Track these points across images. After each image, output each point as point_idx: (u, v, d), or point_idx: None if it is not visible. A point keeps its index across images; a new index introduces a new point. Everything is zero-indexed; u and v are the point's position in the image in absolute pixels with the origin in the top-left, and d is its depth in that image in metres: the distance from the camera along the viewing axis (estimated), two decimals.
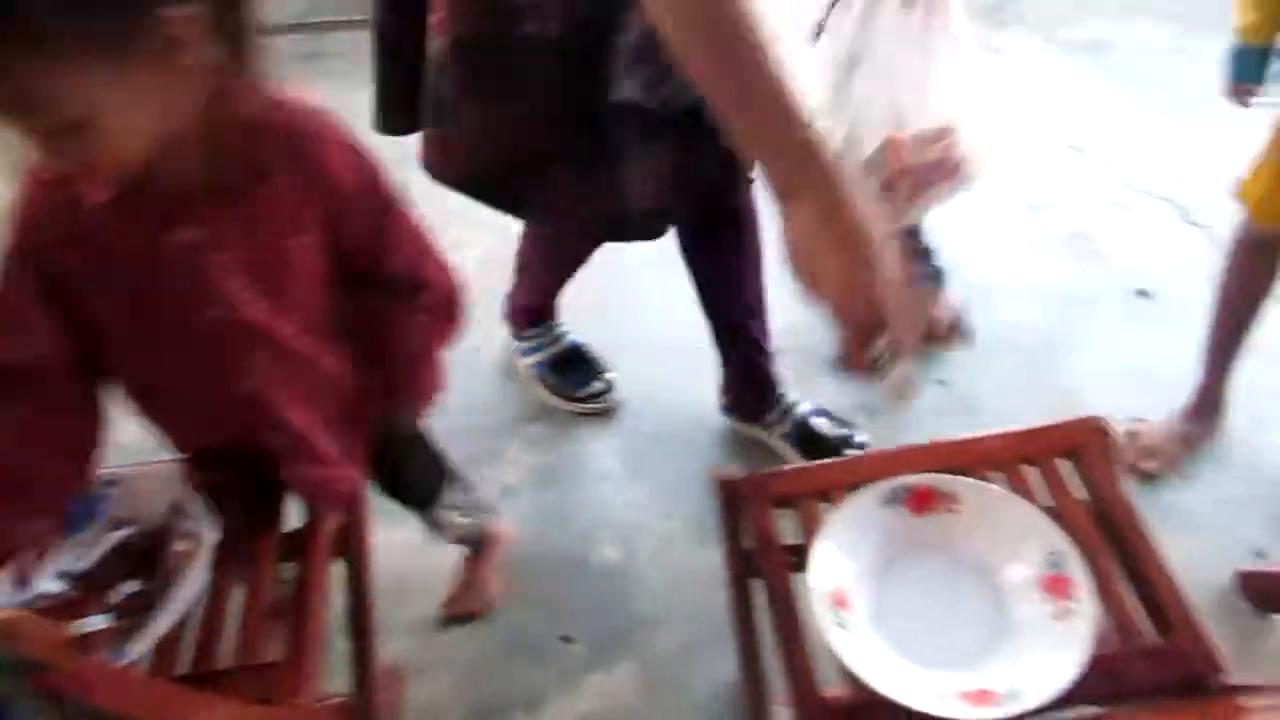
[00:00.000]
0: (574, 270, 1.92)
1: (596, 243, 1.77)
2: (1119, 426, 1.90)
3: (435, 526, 1.53)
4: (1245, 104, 1.61)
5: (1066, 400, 1.97)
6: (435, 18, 1.29)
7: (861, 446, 1.81)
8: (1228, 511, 1.77)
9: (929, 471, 1.16)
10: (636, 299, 2.21)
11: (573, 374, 2.00)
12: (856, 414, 1.94)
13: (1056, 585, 1.03)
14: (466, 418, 1.87)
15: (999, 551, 1.08)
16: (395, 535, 1.53)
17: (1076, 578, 1.03)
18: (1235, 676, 1.02)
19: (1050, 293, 2.23)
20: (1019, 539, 1.08)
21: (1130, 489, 1.74)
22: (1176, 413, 1.87)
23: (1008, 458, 1.21)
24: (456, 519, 1.54)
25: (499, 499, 1.82)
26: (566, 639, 1.63)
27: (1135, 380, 2.00)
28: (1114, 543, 1.14)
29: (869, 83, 1.60)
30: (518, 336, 2.05)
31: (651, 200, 1.37)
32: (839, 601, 1.04)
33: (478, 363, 2.10)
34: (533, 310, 2.03)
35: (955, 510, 1.11)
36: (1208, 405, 1.85)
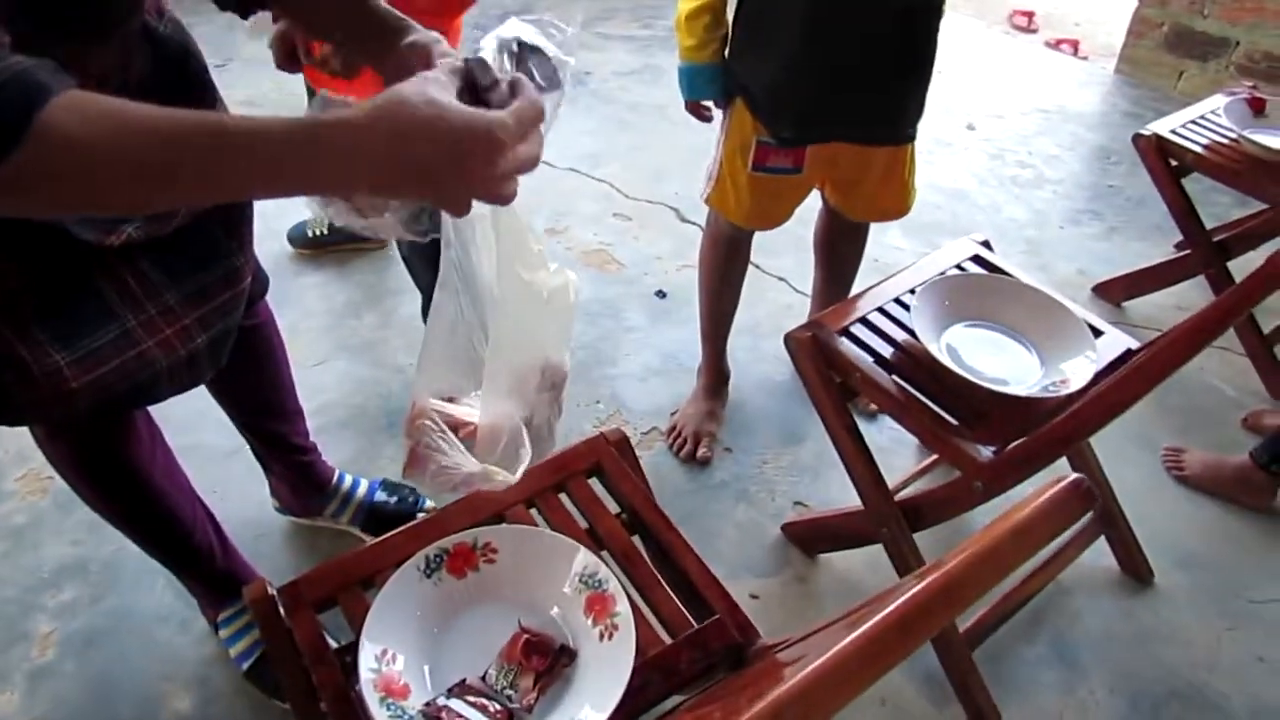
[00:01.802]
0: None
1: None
2: (662, 422, 2.06)
3: None
4: (705, 118, 1.76)
5: (613, 407, 2.09)
6: None
7: (429, 511, 1.78)
8: (768, 471, 1.98)
9: (472, 525, 1.15)
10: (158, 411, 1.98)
11: None
12: None
13: (597, 604, 1.06)
14: None
15: (543, 587, 1.09)
16: None
17: (612, 591, 1.06)
18: (780, 630, 1.12)
19: (581, 309, 2.35)
20: (556, 570, 1.09)
21: (682, 476, 1.95)
22: (694, 394, 2.06)
23: (540, 489, 1.23)
24: None
25: (30, 686, 1.55)
26: None
27: (668, 374, 2.18)
28: (649, 545, 1.20)
29: None
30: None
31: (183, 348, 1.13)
32: (392, 692, 0.98)
33: None
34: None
35: (493, 560, 1.10)
36: (715, 380, 2.06)
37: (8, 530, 1.79)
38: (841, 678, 0.56)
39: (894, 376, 1.48)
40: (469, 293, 1.15)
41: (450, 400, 1.11)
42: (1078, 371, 1.44)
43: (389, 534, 1.17)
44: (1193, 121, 2.25)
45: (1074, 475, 0.66)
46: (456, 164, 0.67)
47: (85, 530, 1.78)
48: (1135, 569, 1.78)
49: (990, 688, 1.54)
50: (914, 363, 1.49)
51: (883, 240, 2.58)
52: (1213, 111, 2.26)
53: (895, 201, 1.78)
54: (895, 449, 1.99)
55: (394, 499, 1.79)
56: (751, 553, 1.81)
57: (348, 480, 1.78)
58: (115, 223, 0.97)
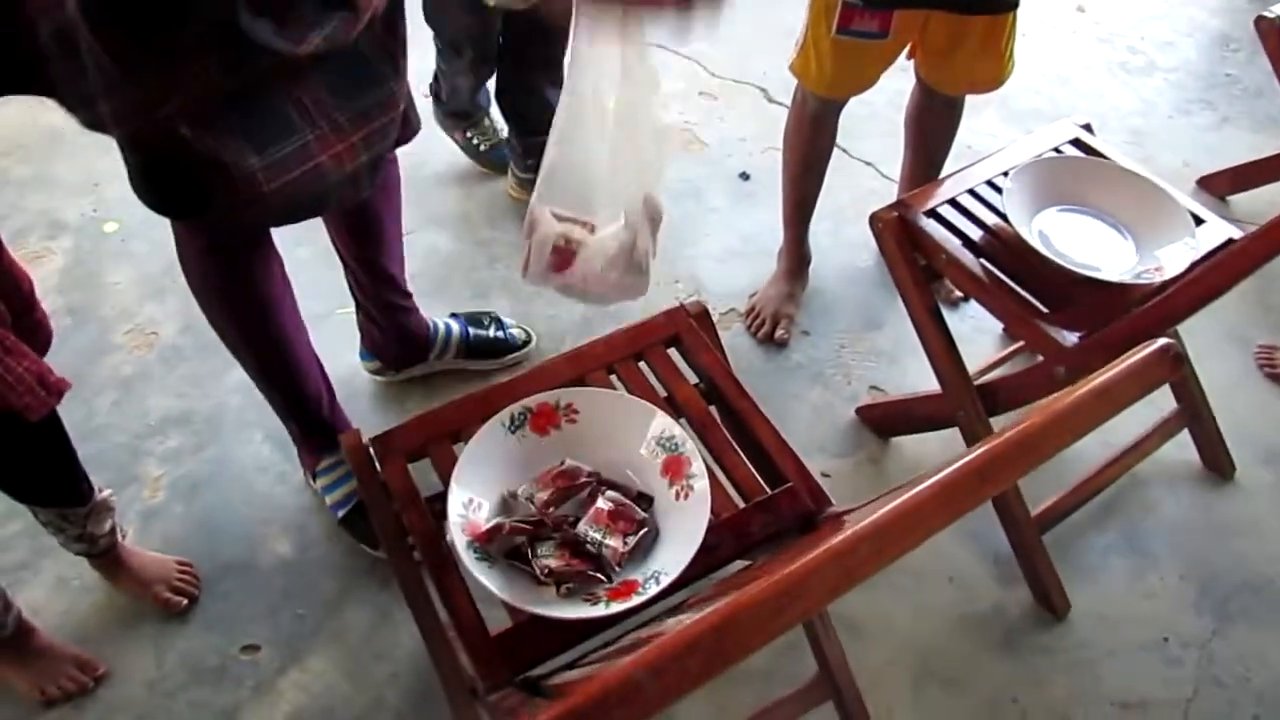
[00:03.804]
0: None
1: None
2: (741, 304, 2.06)
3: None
4: None
5: (692, 287, 2.10)
6: None
7: (523, 340, 1.96)
8: (845, 356, 1.98)
9: (554, 387, 1.19)
10: None
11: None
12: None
13: (674, 466, 1.10)
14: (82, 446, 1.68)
15: (621, 448, 1.13)
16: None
17: (688, 454, 1.09)
18: (853, 500, 1.15)
19: (665, 190, 2.33)
20: (635, 432, 1.13)
21: (759, 356, 1.97)
22: (773, 276, 2.05)
23: (620, 357, 1.26)
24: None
25: (142, 524, 1.68)
26: (250, 648, 1.54)
27: (748, 256, 2.17)
28: (725, 415, 1.23)
29: None
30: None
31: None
32: (479, 538, 1.04)
33: (85, 380, 1.88)
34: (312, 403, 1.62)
35: (575, 420, 1.14)
36: (795, 263, 2.04)
37: (117, 380, 1.91)
38: (918, 518, 0.58)
39: (980, 260, 1.45)
40: (591, 114, 1.22)
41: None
42: (1174, 259, 1.39)
43: (473, 392, 1.21)
44: None
45: (1163, 340, 0.66)
46: None
47: (189, 384, 1.89)
48: (1217, 463, 1.75)
49: (1058, 571, 1.56)
50: (1003, 246, 1.46)
51: (976, 126, 2.49)
52: None
53: (991, 72, 1.71)
54: (975, 338, 1.96)
55: (483, 329, 1.92)
56: (825, 433, 1.83)
57: (440, 325, 1.87)
58: (306, 31, 1.05)
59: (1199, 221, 1.49)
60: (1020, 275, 1.43)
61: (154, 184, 1.16)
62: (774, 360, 1.96)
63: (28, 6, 1.02)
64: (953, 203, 1.52)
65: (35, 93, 1.11)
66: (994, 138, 2.48)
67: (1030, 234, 1.43)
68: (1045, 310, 1.39)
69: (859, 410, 1.85)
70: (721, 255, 2.18)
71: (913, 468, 1.78)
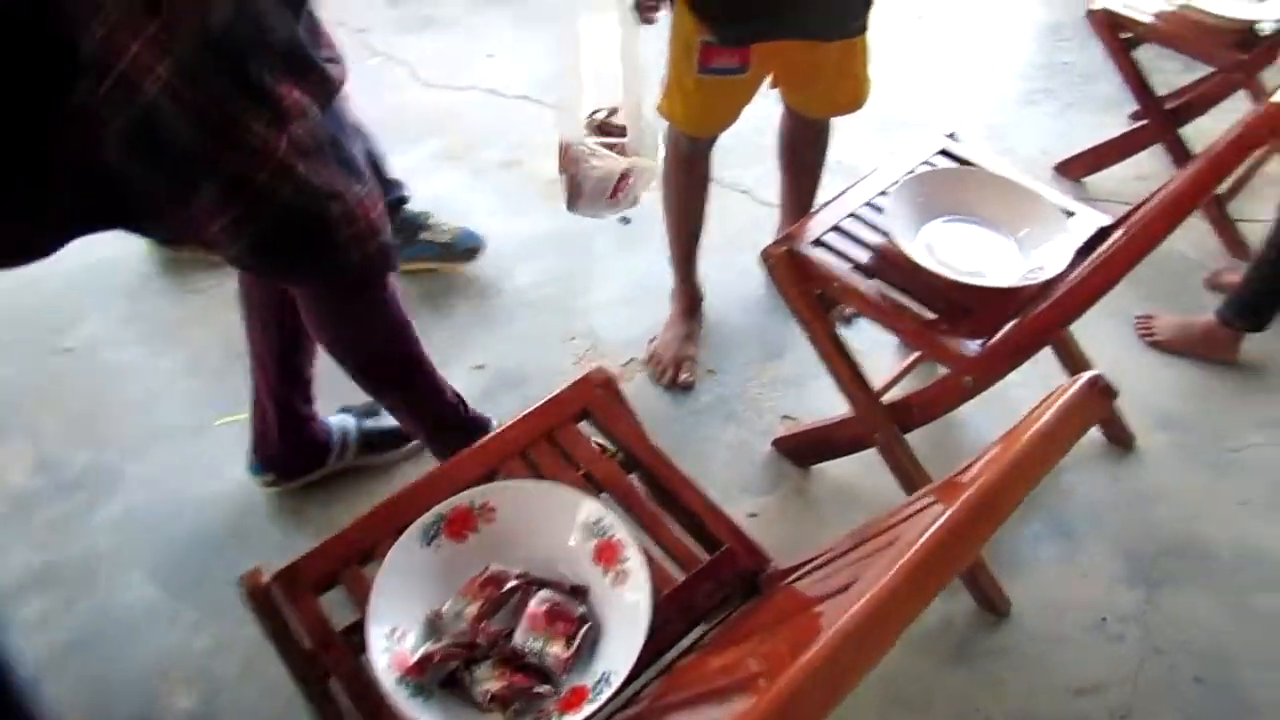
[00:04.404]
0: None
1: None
2: (640, 351, 2.02)
3: None
4: (650, 20, 1.67)
5: (589, 340, 2.05)
6: None
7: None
8: (752, 389, 1.96)
9: (464, 487, 1.11)
10: (114, 394, 1.88)
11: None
12: None
13: (606, 552, 1.04)
14: None
15: (547, 541, 1.06)
16: None
17: (619, 536, 1.03)
18: (783, 545, 1.10)
19: (548, 243, 2.28)
20: (559, 522, 1.06)
21: (667, 403, 1.92)
22: (669, 319, 2.02)
23: (529, 441, 1.19)
24: None
25: None
26: None
27: (641, 300, 2.13)
28: (648, 483, 1.18)
29: None
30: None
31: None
32: (409, 672, 0.95)
33: None
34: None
35: (492, 520, 1.07)
36: (689, 302, 2.02)
37: None
38: (890, 608, 0.53)
39: (873, 281, 1.45)
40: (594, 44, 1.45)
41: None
42: (1054, 256, 1.42)
43: (379, 503, 1.13)
44: None
45: (1090, 373, 0.64)
46: None
47: (49, 531, 1.71)
48: (1118, 436, 1.80)
49: (994, 571, 1.57)
50: (890, 265, 1.46)
51: (845, 142, 2.50)
52: None
53: (851, 94, 1.74)
54: (874, 351, 1.95)
55: (378, 420, 1.81)
56: (745, 472, 1.80)
57: (334, 423, 1.77)
58: (323, 63, 1.16)
59: (1069, 214, 1.52)
60: (913, 290, 1.43)
61: (281, 244, 1.17)
62: (683, 404, 1.93)
63: (84, 134, 1.00)
64: (837, 229, 1.52)
65: (107, 226, 1.12)
66: (861, 150, 2.50)
67: (915, 249, 1.43)
68: (943, 322, 1.39)
69: (775, 443, 1.82)
70: (613, 303, 2.14)
71: (837, 492, 1.77)
